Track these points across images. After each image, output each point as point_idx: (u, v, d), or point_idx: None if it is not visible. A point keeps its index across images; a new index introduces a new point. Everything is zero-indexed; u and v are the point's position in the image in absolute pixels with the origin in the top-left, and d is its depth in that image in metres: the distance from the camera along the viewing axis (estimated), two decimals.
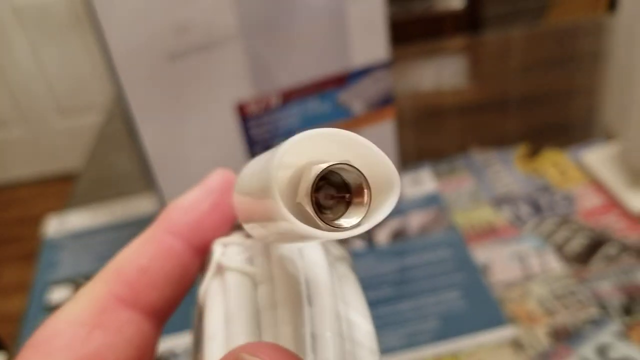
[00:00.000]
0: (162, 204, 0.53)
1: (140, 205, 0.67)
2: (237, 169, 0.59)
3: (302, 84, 0.51)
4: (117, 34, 0.44)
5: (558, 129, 0.71)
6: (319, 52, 0.50)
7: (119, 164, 0.78)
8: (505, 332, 0.46)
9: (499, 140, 0.68)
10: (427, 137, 0.74)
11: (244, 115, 0.51)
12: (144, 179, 0.73)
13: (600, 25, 0.95)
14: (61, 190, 2.11)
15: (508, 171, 0.63)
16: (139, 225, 0.64)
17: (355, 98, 0.53)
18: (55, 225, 0.66)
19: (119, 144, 0.82)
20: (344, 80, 0.52)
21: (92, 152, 0.81)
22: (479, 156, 0.66)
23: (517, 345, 0.45)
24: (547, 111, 0.74)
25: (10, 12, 1.78)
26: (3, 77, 1.89)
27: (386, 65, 0.53)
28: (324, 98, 0.52)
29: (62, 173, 2.09)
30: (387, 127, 0.56)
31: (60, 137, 2.03)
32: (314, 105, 0.52)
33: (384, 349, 0.47)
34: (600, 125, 0.72)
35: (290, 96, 0.51)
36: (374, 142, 0.52)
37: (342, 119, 0.54)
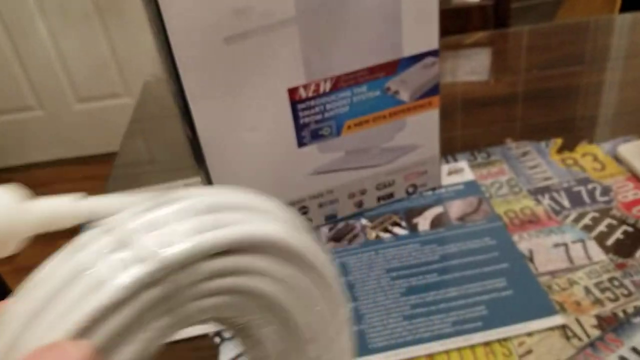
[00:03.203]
0: (210, 182, 0.53)
1: (174, 188, 0.67)
2: (285, 153, 0.60)
3: (353, 71, 0.51)
4: (176, 16, 0.44)
5: (585, 122, 0.71)
6: (372, 39, 0.50)
7: (152, 150, 0.78)
8: (554, 321, 0.47)
9: (528, 134, 0.69)
10: (455, 129, 0.74)
11: (294, 99, 0.51)
12: (189, 161, 0.73)
13: (621, 23, 0.95)
14: (77, 172, 2.12)
15: (546, 164, 0.63)
16: None
17: (403, 86, 0.53)
18: None
19: (152, 129, 0.82)
20: (394, 68, 0.52)
21: (125, 138, 0.81)
22: (514, 148, 0.66)
23: (566, 334, 0.46)
24: (571, 105, 0.74)
25: (32, 0, 1.77)
26: (24, 63, 1.89)
27: (436, 54, 0.53)
28: (372, 85, 0.52)
29: (79, 156, 2.11)
30: (432, 115, 0.56)
31: (77, 122, 2.03)
32: (363, 92, 0.53)
33: (433, 336, 0.47)
34: (629, 120, 0.72)
35: (340, 82, 0.51)
36: (420, 131, 0.55)
37: (389, 107, 0.54)
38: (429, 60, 0.53)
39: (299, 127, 0.52)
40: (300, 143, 0.53)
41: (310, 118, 0.52)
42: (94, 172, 2.08)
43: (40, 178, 2.07)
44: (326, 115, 0.52)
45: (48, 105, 1.99)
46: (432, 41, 0.52)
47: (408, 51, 0.52)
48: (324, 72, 0.50)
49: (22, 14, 1.80)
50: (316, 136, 0.53)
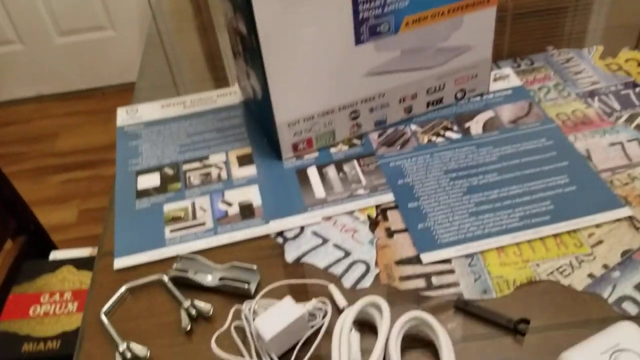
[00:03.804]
0: (265, 81, 0.50)
1: (207, 98, 0.65)
2: (342, 50, 0.56)
3: None
4: None
5: (623, 30, 0.70)
6: None
7: (174, 62, 0.75)
8: (621, 213, 0.47)
9: (567, 42, 0.68)
10: (494, 38, 0.72)
11: None
12: (216, 72, 0.70)
13: None
14: (59, 108, 2.05)
15: (591, 69, 0.63)
16: (211, 114, 0.62)
17: None
18: (126, 116, 0.64)
19: (171, 41, 0.79)
20: None
21: (145, 50, 0.77)
22: (557, 55, 0.65)
23: (634, 225, 0.46)
24: (607, 14, 0.73)
25: None
26: None
27: None
28: None
29: (61, 92, 2.04)
30: (489, 14, 0.54)
31: (59, 57, 1.94)
32: None
33: (502, 230, 0.47)
34: None
35: None
36: (476, 30, 0.53)
37: (449, 3, 0.52)
38: None
39: (357, 23, 0.50)
40: (358, 40, 0.51)
41: (369, 12, 0.50)
42: (77, 108, 2.01)
43: (20, 114, 2.00)
44: (386, 9, 0.50)
45: (28, 39, 1.89)
46: None
47: None
48: None
49: None
50: (374, 33, 0.51)
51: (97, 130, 1.92)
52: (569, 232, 0.46)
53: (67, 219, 1.64)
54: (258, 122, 0.60)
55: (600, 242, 0.45)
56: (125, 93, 2.00)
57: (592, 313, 0.41)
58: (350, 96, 0.54)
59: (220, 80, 0.69)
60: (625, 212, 0.47)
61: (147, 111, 0.64)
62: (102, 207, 1.58)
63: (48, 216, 1.67)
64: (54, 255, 0.72)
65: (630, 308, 0.41)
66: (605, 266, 0.44)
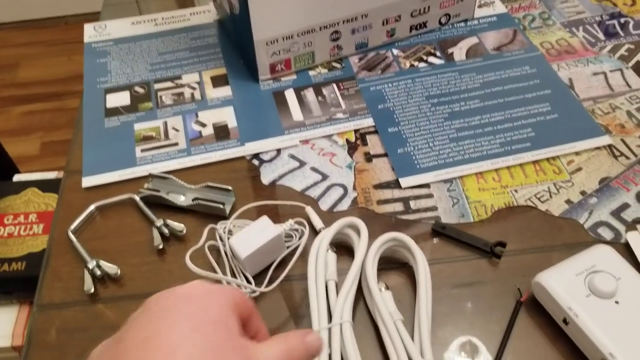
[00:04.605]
0: (246, 6, 0.48)
1: (179, 16, 0.61)
2: None
3: None
4: None
5: None
6: None
7: None
8: (601, 141, 0.47)
9: None
10: None
11: None
12: None
13: None
14: (20, 37, 1.94)
15: None
16: (184, 33, 0.59)
17: None
18: (94, 32, 0.60)
19: None
20: None
21: None
22: None
23: (613, 153, 0.46)
24: None
25: None
26: None
27: None
28: None
29: (21, 20, 1.93)
30: None
31: None
32: None
33: (482, 156, 0.46)
34: None
35: None
36: None
37: None
38: None
39: None
40: None
41: None
42: (38, 38, 1.91)
43: None
44: None
45: None
46: None
47: None
48: None
49: None
50: None
51: (60, 61, 1.83)
52: (548, 159, 0.46)
53: (29, 151, 1.59)
54: (234, 41, 0.57)
55: (579, 169, 0.45)
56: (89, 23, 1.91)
57: (568, 238, 0.42)
58: (332, 15, 0.52)
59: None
60: (605, 140, 0.47)
61: (116, 28, 0.60)
62: (66, 140, 1.53)
63: (10, 148, 1.60)
64: (18, 178, 0.69)
65: (605, 233, 0.41)
66: (582, 192, 0.44)
